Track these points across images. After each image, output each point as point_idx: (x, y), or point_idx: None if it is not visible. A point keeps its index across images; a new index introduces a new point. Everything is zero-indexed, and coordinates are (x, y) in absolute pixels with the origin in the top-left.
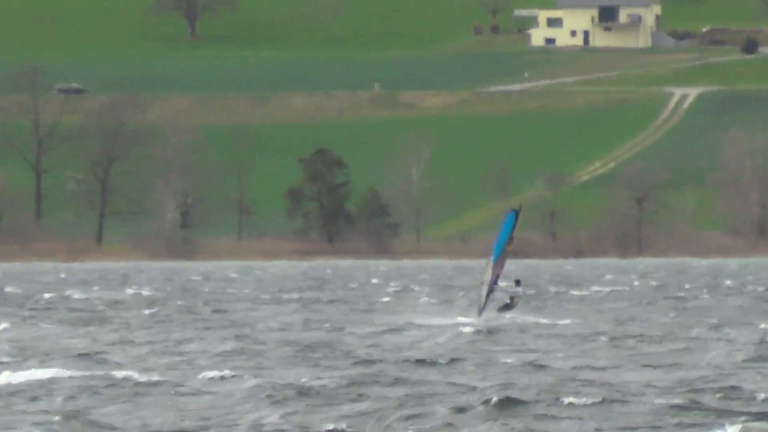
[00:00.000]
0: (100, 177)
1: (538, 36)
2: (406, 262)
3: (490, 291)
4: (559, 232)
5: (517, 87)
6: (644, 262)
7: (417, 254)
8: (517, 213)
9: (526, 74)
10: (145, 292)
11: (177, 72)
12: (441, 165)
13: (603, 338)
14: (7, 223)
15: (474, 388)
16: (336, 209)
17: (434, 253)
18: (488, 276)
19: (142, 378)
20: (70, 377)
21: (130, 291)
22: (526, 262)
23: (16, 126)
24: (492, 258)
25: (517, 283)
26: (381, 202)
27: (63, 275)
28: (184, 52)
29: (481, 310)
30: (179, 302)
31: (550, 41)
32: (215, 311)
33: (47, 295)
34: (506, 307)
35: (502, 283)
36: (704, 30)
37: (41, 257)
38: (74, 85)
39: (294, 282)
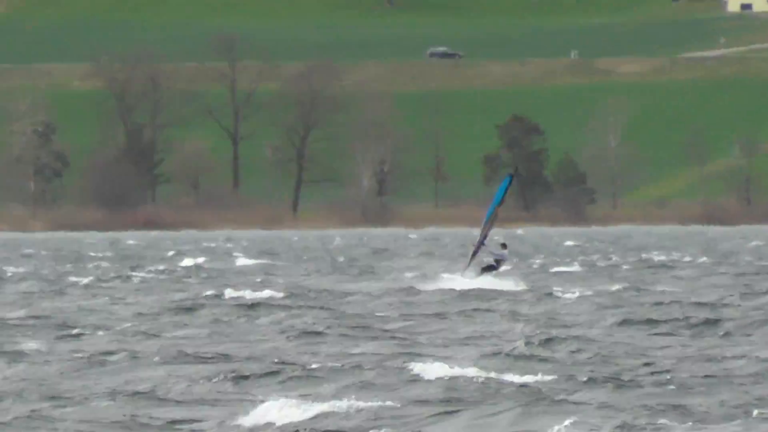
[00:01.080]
0: (297, 145)
1: (734, 2)
2: (598, 229)
3: (476, 251)
4: (755, 198)
5: (712, 53)
6: None
7: (613, 221)
8: (511, 177)
9: (722, 40)
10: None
11: (372, 39)
12: (637, 132)
13: None
14: (205, 190)
15: None
16: (532, 176)
17: (631, 219)
18: (476, 236)
19: None
20: None
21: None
22: (723, 228)
23: (214, 94)
24: (484, 219)
25: (503, 246)
26: (577, 169)
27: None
28: (380, 19)
29: (465, 267)
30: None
31: (746, 7)
32: None
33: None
34: (490, 268)
35: (488, 245)
36: None
37: (238, 225)
38: (442, 48)
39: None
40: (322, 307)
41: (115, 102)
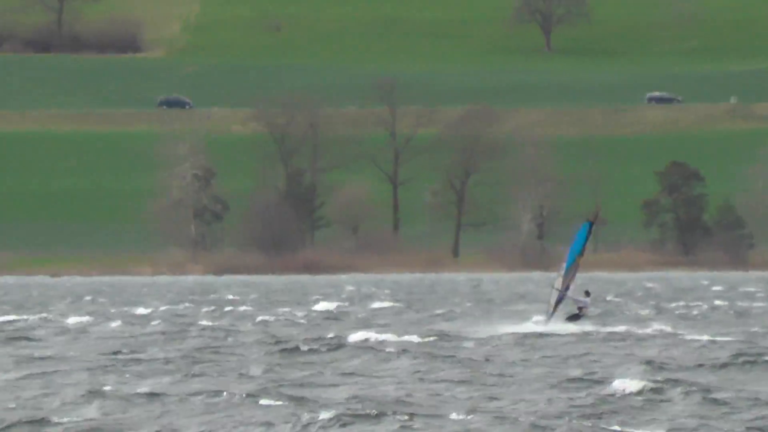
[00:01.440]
0: (457, 188)
1: None
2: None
3: (560, 299)
4: None
5: None
6: None
7: None
8: (591, 224)
9: None
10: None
11: (532, 84)
12: None
13: None
14: (365, 234)
15: None
16: (692, 221)
17: None
18: (558, 283)
19: None
20: None
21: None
22: None
23: (374, 138)
24: (564, 267)
25: (587, 294)
26: (736, 214)
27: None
28: (539, 64)
29: (549, 316)
30: None
31: None
32: None
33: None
34: (574, 318)
35: (572, 294)
36: None
37: (398, 268)
38: (659, 93)
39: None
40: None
41: (276, 146)
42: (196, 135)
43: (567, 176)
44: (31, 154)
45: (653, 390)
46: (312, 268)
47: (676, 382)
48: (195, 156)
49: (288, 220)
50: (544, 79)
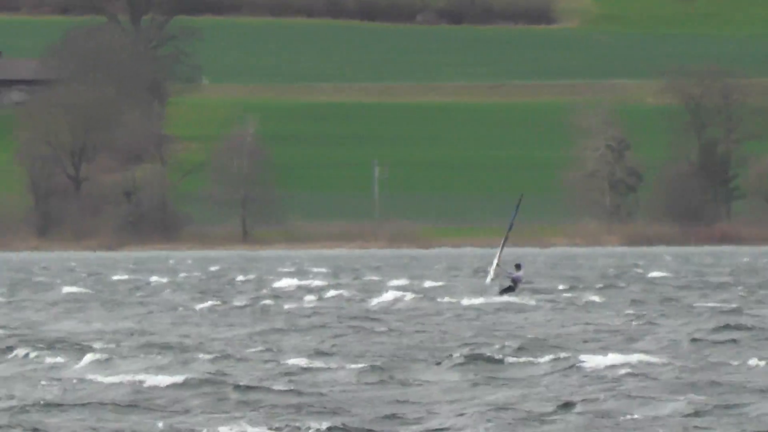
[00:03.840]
0: None
1: None
2: None
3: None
4: None
5: None
6: None
7: None
8: (518, 202)
9: None
10: None
11: None
12: None
13: None
14: None
15: None
16: None
17: None
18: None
19: None
20: None
21: None
22: None
23: None
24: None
25: (518, 267)
26: None
27: None
28: None
29: (489, 280)
30: None
31: None
32: None
33: None
34: (508, 290)
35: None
36: None
37: None
38: None
39: None
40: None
41: (690, 117)
42: (607, 106)
43: None
44: (441, 124)
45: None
46: (726, 239)
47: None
48: (607, 127)
49: (702, 191)
50: None
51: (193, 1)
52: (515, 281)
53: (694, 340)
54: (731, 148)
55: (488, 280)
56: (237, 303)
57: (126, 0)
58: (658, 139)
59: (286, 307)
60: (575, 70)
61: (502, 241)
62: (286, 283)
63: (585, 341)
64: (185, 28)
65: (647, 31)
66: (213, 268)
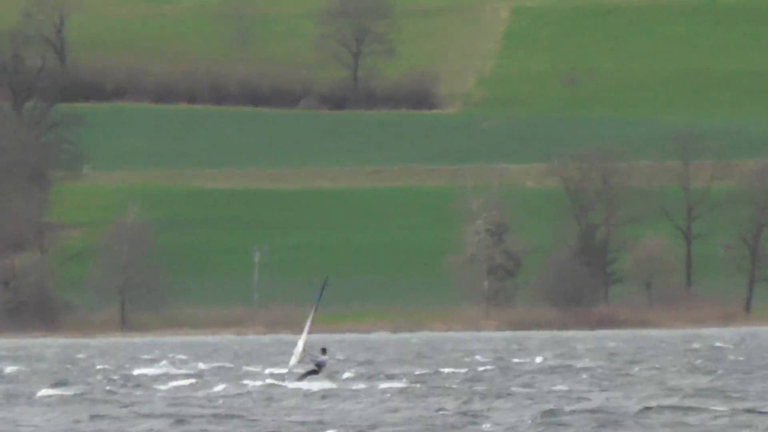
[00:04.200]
0: (749, 242)
1: None
2: None
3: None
4: None
5: None
6: None
7: None
8: (323, 285)
9: None
10: None
11: None
12: None
13: None
14: (658, 289)
15: None
16: None
17: None
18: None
19: None
20: None
21: None
22: None
23: (668, 191)
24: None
25: (323, 351)
26: None
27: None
28: None
29: (293, 363)
30: None
31: None
32: None
33: None
34: (311, 373)
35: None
36: None
37: (690, 323)
38: None
39: None
40: None
41: (570, 201)
42: (490, 190)
43: None
44: (324, 209)
45: None
46: (605, 323)
47: None
48: (489, 211)
49: (582, 275)
50: None
51: (76, 87)
52: (319, 365)
53: None
54: (611, 231)
55: (291, 363)
56: (74, 391)
57: (8, 86)
58: (539, 223)
59: (121, 392)
60: (458, 155)
61: (306, 324)
62: (138, 371)
63: None
64: (69, 115)
65: (531, 114)
66: (79, 356)
